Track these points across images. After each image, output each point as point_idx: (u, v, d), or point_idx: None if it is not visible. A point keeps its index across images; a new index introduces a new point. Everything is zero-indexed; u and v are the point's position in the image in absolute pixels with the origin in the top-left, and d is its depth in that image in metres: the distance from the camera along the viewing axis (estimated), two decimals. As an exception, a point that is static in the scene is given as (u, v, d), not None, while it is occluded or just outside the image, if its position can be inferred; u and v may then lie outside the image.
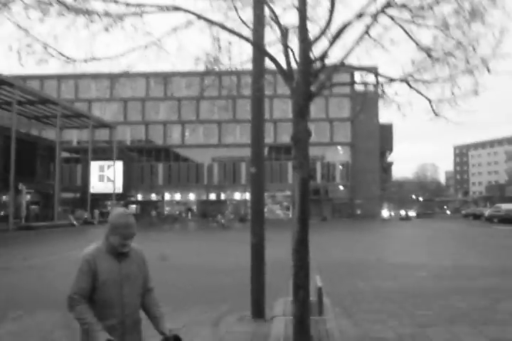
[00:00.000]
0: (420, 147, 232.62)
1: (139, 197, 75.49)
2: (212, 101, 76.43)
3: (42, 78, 76.88)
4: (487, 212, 59.53)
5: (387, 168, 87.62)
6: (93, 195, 61.99)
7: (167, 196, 76.45)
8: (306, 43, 5.21)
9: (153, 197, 76.17)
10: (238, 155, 75.25)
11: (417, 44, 5.50)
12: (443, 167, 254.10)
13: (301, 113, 5.40)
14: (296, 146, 5.43)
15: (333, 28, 5.23)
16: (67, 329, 8.07)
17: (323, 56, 5.31)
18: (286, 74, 5.44)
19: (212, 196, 73.16)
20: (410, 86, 5.65)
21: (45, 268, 16.92)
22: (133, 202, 72.66)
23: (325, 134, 76.08)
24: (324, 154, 75.87)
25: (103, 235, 3.82)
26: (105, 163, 68.48)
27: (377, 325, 8.35)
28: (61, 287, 12.66)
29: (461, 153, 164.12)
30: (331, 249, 23.61)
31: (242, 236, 33.48)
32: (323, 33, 5.24)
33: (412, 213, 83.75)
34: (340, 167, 75.56)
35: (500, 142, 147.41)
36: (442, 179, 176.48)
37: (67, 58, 5.36)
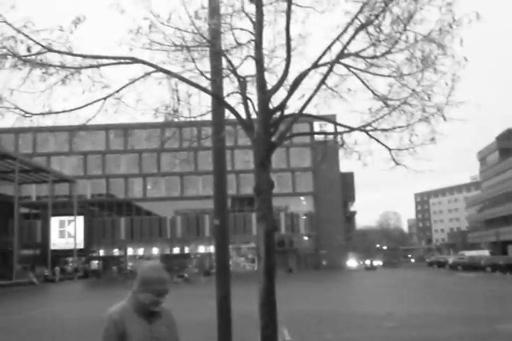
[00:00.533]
0: (382, 195, 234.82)
1: (101, 252, 73.85)
2: (173, 154, 76.50)
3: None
4: (451, 259, 59.98)
5: (350, 217, 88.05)
6: (54, 251, 60.54)
7: (130, 251, 75.01)
8: (264, 93, 5.22)
9: (116, 252, 74.64)
10: (201, 207, 74.71)
11: (373, 93, 5.57)
12: (405, 214, 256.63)
13: (263, 164, 5.36)
14: (259, 198, 5.36)
15: (291, 78, 5.28)
16: None
17: (281, 106, 5.32)
18: (247, 125, 5.42)
19: (176, 250, 72.09)
20: (370, 135, 5.68)
21: (2, 329, 16.23)
22: (95, 258, 71.04)
23: (287, 184, 76.41)
24: (287, 204, 75.97)
25: (129, 291, 3.40)
26: (66, 218, 67.32)
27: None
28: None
29: (422, 201, 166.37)
30: (298, 301, 23.30)
31: (207, 291, 32.95)
32: (280, 83, 5.27)
33: (376, 262, 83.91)
34: (304, 217, 75.59)
35: (459, 189, 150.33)
36: (405, 227, 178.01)
37: (25, 112, 5.25)
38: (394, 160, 6.03)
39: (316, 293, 29.01)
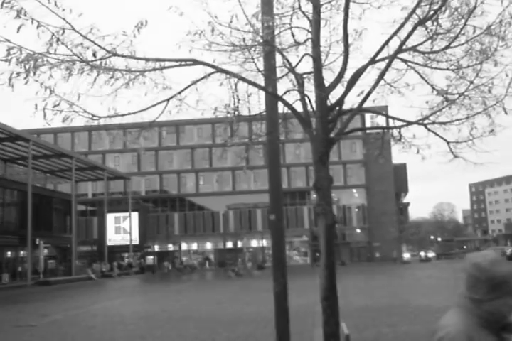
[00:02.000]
0: (435, 186, 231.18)
1: (156, 247, 75.11)
2: (224, 149, 77.10)
3: (55, 132, 77.87)
4: (509, 250, 58.56)
5: (403, 209, 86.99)
6: (110, 247, 61.81)
7: (184, 246, 76.04)
8: (322, 90, 5.27)
9: (170, 247, 75.77)
10: (253, 201, 75.16)
11: (432, 87, 5.53)
12: (459, 205, 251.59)
13: (322, 160, 5.42)
14: (318, 193, 5.41)
15: (348, 74, 5.30)
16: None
17: (339, 102, 5.36)
18: (305, 122, 5.48)
19: (229, 244, 72.68)
20: (428, 129, 5.65)
21: (67, 323, 16.76)
22: (150, 253, 72.28)
23: (339, 177, 75.93)
24: (339, 197, 75.54)
25: (459, 300, 2.42)
26: (121, 215, 68.61)
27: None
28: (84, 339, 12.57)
29: (477, 191, 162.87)
30: (353, 295, 23.21)
31: (261, 285, 33.19)
32: (338, 79, 5.30)
33: (430, 254, 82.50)
34: (356, 210, 75.09)
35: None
36: (460, 218, 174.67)
37: (92, 115, 5.46)
38: (452, 152, 5.99)
39: (370, 285, 28.83)
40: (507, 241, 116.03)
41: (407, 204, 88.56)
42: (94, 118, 5.48)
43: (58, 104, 5.14)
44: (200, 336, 12.90)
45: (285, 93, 5.62)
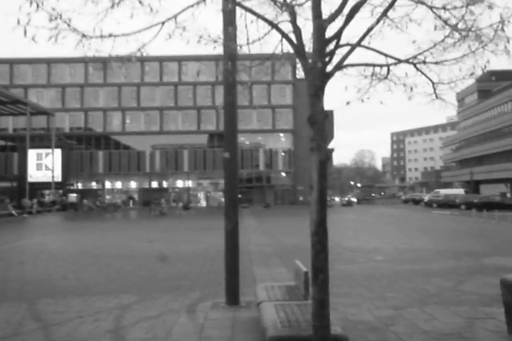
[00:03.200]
0: (359, 134, 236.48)
1: (79, 185, 73.78)
2: (152, 88, 75.48)
3: (-25, 63, 73.95)
4: (426, 197, 61.14)
5: (328, 154, 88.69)
6: (31, 184, 60.14)
7: (108, 184, 75.05)
8: (320, 22, 5.08)
9: (94, 185, 74.66)
10: (180, 142, 74.60)
11: (445, 23, 5.38)
12: (380, 154, 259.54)
13: (318, 94, 5.29)
14: (313, 128, 5.31)
15: (347, 6, 5.12)
16: (37, 321, 7.78)
17: (337, 35, 5.20)
18: (301, 54, 5.29)
19: (155, 184, 72.25)
20: (417, 68, 5.61)
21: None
22: (72, 191, 70.92)
23: (267, 121, 76.28)
24: (267, 141, 76.09)
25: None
26: (43, 151, 66.59)
27: (353, 309, 8.39)
28: (17, 277, 12.27)
29: (398, 140, 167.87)
30: (283, 235, 23.72)
31: (189, 224, 33.27)
32: (339, 11, 5.11)
33: (353, 199, 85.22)
34: (283, 154, 75.89)
35: (435, 129, 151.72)
36: (379, 165, 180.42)
37: (83, 35, 5.06)
38: (435, 93, 6.00)
39: (297, 227, 29.46)
40: (423, 188, 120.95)
41: (332, 150, 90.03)
42: (86, 37, 5.07)
43: (56, 19, 4.73)
44: (139, 272, 12.84)
45: (278, 23, 5.37)
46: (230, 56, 8.13)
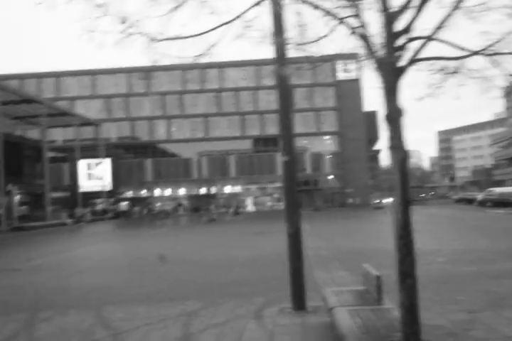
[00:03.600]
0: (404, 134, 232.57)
1: (129, 193, 74.83)
2: (195, 95, 76.12)
3: (21, 77, 75.83)
4: (480, 196, 59.56)
5: (374, 156, 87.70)
6: (83, 193, 61.29)
7: (157, 192, 75.92)
8: (389, 15, 4.90)
9: (144, 193, 75.62)
10: (225, 148, 75.02)
11: None
12: (427, 153, 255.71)
13: (392, 90, 5.08)
14: (390, 126, 5.11)
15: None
16: (106, 329, 7.78)
17: (408, 28, 5.00)
18: (370, 49, 5.11)
19: (203, 190, 72.67)
20: (492, 60, 5.33)
21: (53, 267, 16.53)
22: (123, 199, 71.98)
23: (311, 124, 76.01)
24: (312, 144, 75.80)
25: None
26: (92, 161, 67.82)
27: (425, 312, 8.12)
28: (79, 285, 12.38)
29: (445, 139, 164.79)
30: (338, 239, 23.44)
31: (242, 229, 33.22)
32: (408, 3, 4.92)
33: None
34: (329, 156, 75.44)
35: (482, 126, 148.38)
36: (426, 165, 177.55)
37: (151, 38, 5.03)
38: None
39: (351, 230, 29.14)
40: (473, 187, 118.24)
41: (379, 151, 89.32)
42: (154, 40, 5.03)
43: (124, 22, 4.71)
44: (198, 279, 12.80)
45: (346, 17, 5.19)
46: (286, 58, 8.04)
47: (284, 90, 9.10)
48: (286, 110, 9.06)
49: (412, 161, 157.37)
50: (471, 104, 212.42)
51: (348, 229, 30.92)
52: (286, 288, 10.77)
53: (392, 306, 6.46)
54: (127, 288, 11.79)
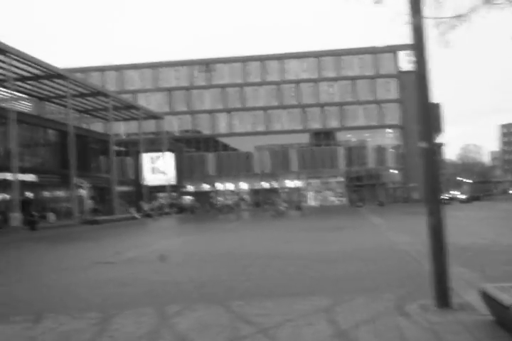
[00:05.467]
0: (464, 128, 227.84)
1: (191, 188, 75.25)
2: (256, 88, 75.82)
3: (84, 70, 77.02)
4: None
5: (438, 149, 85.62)
6: (146, 187, 61.94)
7: (219, 186, 76.12)
8: None
9: (206, 187, 75.93)
10: (286, 142, 74.55)
11: None
12: (487, 147, 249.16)
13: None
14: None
15: None
16: (249, 325, 7.42)
17: None
18: None
19: (265, 185, 72.35)
20: None
21: (147, 260, 16.42)
22: (187, 193, 72.54)
23: (374, 117, 74.81)
24: (374, 137, 74.60)
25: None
26: (155, 155, 68.45)
27: None
28: (186, 279, 12.16)
29: (509, 132, 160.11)
30: (422, 234, 22.60)
31: (314, 224, 32.76)
32: None
33: (462, 196, 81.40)
34: (392, 150, 74.11)
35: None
36: (486, 160, 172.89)
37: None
38: None
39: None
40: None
41: (441, 144, 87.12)
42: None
43: None
44: (305, 273, 12.40)
45: None
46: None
47: (421, 77, 8.50)
48: (423, 95, 8.48)
49: (471, 156, 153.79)
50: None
51: (422, 223, 29.83)
52: (410, 284, 10.36)
53: None
54: (238, 282, 11.46)
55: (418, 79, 8.48)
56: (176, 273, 13.21)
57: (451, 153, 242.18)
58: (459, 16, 5.38)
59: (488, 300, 6.94)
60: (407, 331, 6.73)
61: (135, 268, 14.66)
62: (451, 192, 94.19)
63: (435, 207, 8.31)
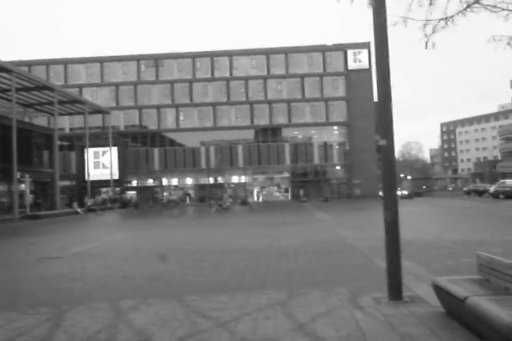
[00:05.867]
0: (406, 126, 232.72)
1: (136, 183, 74.35)
2: (204, 84, 75.46)
3: (29, 64, 75.05)
4: (492, 188, 59.42)
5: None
6: (89, 182, 60.85)
7: (164, 181, 75.45)
8: None
9: (151, 182, 75.12)
10: (234, 138, 74.49)
11: None
12: (428, 145, 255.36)
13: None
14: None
15: None
16: (207, 319, 7.42)
17: None
18: None
19: (210, 180, 72.04)
20: None
21: (95, 255, 16.15)
22: (130, 189, 71.65)
23: (321, 114, 75.49)
24: (320, 134, 75.32)
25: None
26: (100, 150, 67.45)
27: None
28: (137, 274, 12.02)
29: (448, 131, 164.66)
30: (369, 228, 23.06)
31: (260, 219, 32.83)
32: None
33: (404, 191, 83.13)
34: (337, 147, 75.03)
35: (487, 118, 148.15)
36: (427, 157, 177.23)
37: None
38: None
39: (372, 220, 28.84)
40: (475, 179, 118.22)
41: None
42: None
43: None
44: (258, 268, 12.44)
45: None
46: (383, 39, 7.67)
47: (383, 74, 8.64)
48: (383, 93, 8.65)
49: (412, 153, 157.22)
50: (475, 96, 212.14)
51: (368, 219, 30.54)
52: (361, 278, 10.57)
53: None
54: (191, 277, 11.43)
55: (379, 78, 8.64)
56: (126, 269, 13.04)
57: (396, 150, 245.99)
58: (445, 19, 5.54)
59: (440, 292, 7.15)
60: (363, 323, 6.87)
61: (83, 263, 14.39)
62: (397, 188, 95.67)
63: (391, 202, 8.51)
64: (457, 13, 5.52)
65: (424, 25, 5.70)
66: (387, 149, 8.57)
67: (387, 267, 8.43)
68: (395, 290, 8.25)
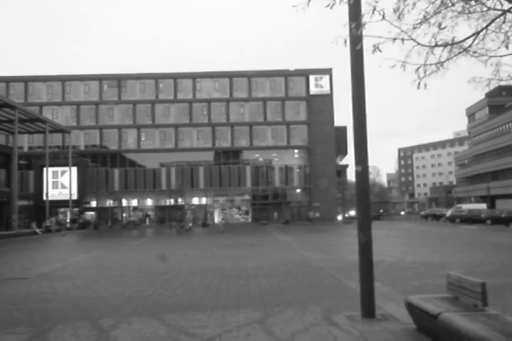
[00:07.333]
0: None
1: (95, 203, 73.49)
2: (167, 105, 75.61)
3: (-12, 81, 74.19)
4: (449, 212, 60.87)
5: (341, 170, 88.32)
6: (47, 202, 59.99)
7: (124, 202, 74.79)
8: None
9: (110, 203, 74.36)
10: (195, 159, 74.57)
11: None
12: (385, 170, 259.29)
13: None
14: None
15: None
16: (190, 337, 7.63)
17: None
18: None
19: (171, 201, 71.73)
20: None
21: (62, 276, 16.10)
22: (89, 209, 70.83)
23: (282, 138, 76.26)
24: (281, 157, 75.98)
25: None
26: (59, 169, 66.68)
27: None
28: (110, 294, 12.09)
29: (406, 156, 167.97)
30: (332, 250, 23.51)
31: (220, 240, 32.94)
32: None
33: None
34: (298, 170, 75.80)
35: (443, 144, 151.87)
36: (384, 182, 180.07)
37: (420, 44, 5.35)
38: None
39: (337, 242, 29.33)
40: (431, 203, 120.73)
41: (346, 166, 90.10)
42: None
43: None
44: (231, 288, 12.66)
45: None
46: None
47: (359, 101, 9.08)
48: (360, 119, 9.09)
49: (370, 177, 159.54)
50: (432, 123, 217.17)
51: (333, 241, 31.09)
52: (332, 297, 10.90)
53: (496, 312, 6.56)
54: (164, 297, 11.58)
55: (354, 104, 9.10)
56: (97, 289, 13.10)
57: (352, 174, 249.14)
58: (439, 63, 6.08)
59: (414, 310, 7.54)
60: (341, 339, 7.20)
61: (52, 283, 14.36)
62: (351, 211, 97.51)
63: (365, 224, 8.91)
64: (447, 59, 6.07)
65: (417, 69, 6.22)
66: (362, 175, 9.00)
67: (361, 286, 8.80)
68: (368, 308, 8.62)
